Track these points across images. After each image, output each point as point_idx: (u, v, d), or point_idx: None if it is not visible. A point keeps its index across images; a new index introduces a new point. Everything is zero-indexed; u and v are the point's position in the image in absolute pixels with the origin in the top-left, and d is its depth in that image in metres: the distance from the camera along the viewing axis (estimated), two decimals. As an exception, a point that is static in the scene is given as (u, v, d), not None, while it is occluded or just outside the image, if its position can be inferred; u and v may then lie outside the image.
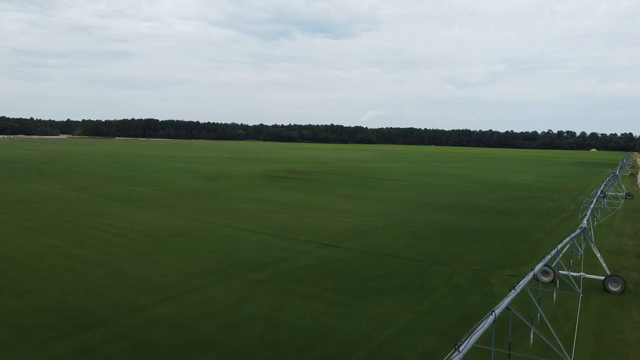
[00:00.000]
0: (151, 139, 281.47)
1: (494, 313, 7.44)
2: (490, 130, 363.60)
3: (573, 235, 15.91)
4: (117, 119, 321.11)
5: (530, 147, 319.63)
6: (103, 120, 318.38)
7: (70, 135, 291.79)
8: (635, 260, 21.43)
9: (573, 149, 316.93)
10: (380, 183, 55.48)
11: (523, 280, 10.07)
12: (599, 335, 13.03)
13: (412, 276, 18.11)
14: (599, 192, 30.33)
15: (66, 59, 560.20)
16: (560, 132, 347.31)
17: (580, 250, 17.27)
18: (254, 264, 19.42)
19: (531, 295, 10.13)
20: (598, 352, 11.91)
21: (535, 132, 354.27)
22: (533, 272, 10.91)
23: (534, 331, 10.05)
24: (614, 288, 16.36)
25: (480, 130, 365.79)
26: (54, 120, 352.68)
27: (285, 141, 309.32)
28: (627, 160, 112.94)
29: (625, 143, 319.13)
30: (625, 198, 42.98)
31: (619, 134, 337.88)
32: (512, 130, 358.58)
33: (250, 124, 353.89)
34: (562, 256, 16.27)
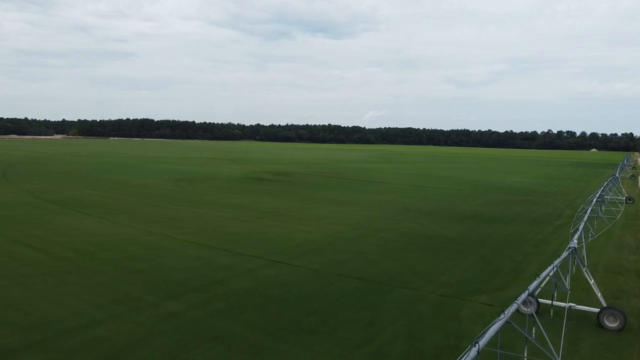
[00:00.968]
0: (145, 139, 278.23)
1: None
2: (490, 130, 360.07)
3: (560, 259, 12.65)
4: (113, 119, 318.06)
5: (529, 147, 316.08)
6: (98, 120, 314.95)
7: (64, 136, 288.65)
8: (637, 282, 18.11)
9: (573, 149, 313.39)
10: (367, 186, 52.21)
11: (496, 322, 6.97)
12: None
13: (365, 307, 14.81)
14: (595, 197, 27.01)
15: (66, 58, 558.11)
16: (560, 132, 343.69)
17: (565, 284, 13.98)
18: (179, 288, 16.16)
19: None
20: None
21: (534, 132, 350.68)
22: (506, 316, 7.67)
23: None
24: (610, 324, 13.08)
25: (479, 130, 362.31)
26: (49, 120, 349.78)
27: (282, 141, 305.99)
28: (627, 160, 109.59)
29: (625, 143, 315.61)
30: (626, 202, 39.71)
31: (619, 134, 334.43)
32: (511, 130, 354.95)
33: (247, 124, 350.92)
34: (549, 281, 13.04)
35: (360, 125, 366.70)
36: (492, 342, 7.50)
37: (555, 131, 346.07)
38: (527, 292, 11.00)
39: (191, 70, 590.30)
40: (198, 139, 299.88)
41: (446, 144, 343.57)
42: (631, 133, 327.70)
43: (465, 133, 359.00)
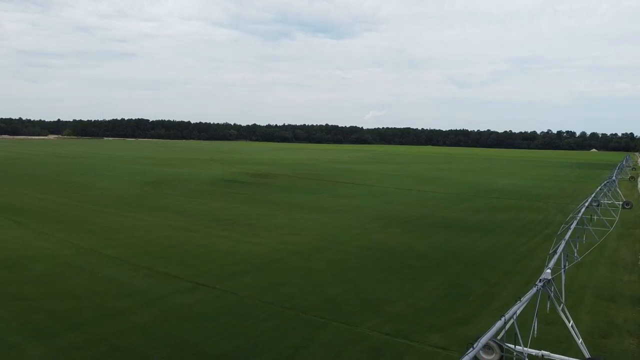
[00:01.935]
0: (139, 139, 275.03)
1: None
2: (489, 130, 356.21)
3: (527, 295, 9.44)
4: (107, 119, 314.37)
5: (529, 148, 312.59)
6: (93, 120, 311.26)
7: (58, 136, 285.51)
8: (633, 312, 14.85)
9: (573, 149, 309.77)
10: (348, 188, 48.93)
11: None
12: None
13: (279, 352, 11.55)
14: (584, 205, 23.72)
15: (66, 59, 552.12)
16: (559, 132, 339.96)
17: (542, 323, 10.72)
18: (59, 323, 12.93)
19: None
20: None
21: (534, 132, 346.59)
22: None
23: None
24: (594, 384, 9.80)
25: (478, 130, 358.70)
26: (44, 121, 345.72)
27: (278, 142, 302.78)
28: (627, 161, 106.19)
29: (626, 143, 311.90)
30: (623, 208, 36.40)
31: (619, 134, 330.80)
32: (510, 131, 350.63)
33: (244, 124, 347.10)
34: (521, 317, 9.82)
35: (357, 125, 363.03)
36: None
37: (555, 131, 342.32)
38: (486, 336, 8.00)
39: (191, 71, 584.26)
40: (193, 139, 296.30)
41: (445, 144, 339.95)
42: (631, 133, 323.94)
43: (464, 133, 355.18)
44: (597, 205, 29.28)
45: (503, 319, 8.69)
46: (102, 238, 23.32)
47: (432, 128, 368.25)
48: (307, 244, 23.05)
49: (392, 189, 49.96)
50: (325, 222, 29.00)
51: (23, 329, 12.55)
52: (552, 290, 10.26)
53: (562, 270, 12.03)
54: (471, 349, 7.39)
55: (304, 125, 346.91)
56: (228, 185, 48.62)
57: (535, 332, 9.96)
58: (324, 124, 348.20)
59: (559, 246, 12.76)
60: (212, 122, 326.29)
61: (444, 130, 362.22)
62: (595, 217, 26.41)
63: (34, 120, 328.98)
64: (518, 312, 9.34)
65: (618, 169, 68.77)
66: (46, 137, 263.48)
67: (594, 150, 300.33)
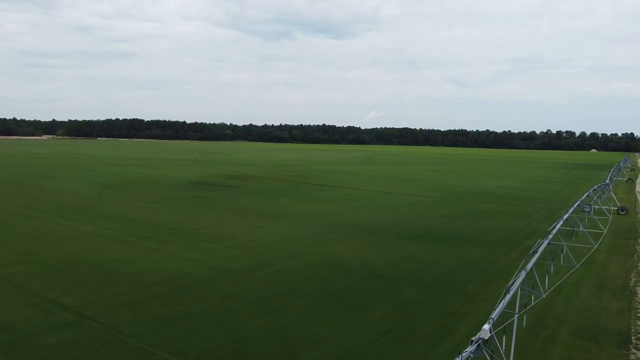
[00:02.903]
0: (133, 139, 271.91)
1: None
2: (487, 130, 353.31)
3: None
4: (102, 119, 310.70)
5: (528, 148, 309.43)
6: (87, 120, 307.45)
7: (52, 136, 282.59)
8: (618, 358, 11.67)
9: (572, 149, 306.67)
10: (323, 192, 45.79)
11: None
12: None
13: None
14: (563, 219, 20.60)
15: (66, 59, 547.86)
16: (559, 132, 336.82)
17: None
18: None
19: None
20: None
21: (533, 132, 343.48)
22: None
23: None
24: None
25: (477, 130, 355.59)
26: (39, 121, 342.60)
27: (274, 142, 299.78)
28: (625, 162, 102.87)
29: (626, 143, 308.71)
30: (618, 214, 33.25)
31: (619, 134, 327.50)
32: (509, 130, 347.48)
33: (240, 124, 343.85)
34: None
35: (355, 125, 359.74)
36: None
37: (554, 131, 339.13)
38: None
39: (192, 71, 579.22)
40: (189, 139, 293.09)
41: (443, 144, 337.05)
42: (632, 133, 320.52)
43: (463, 133, 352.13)
44: (589, 212, 26.20)
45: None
46: (14, 252, 20.23)
47: (430, 128, 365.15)
48: (246, 260, 19.91)
49: (372, 192, 46.82)
50: (280, 231, 25.86)
51: None
52: (496, 346, 7.11)
53: (515, 316, 8.87)
54: None
55: (301, 125, 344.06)
56: (195, 188, 45.45)
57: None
58: (321, 124, 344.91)
59: (513, 284, 9.58)
60: (207, 122, 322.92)
61: (442, 130, 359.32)
62: (581, 229, 23.24)
63: (28, 121, 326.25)
64: None
65: (614, 170, 65.56)
66: (39, 138, 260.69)
67: (593, 150, 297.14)
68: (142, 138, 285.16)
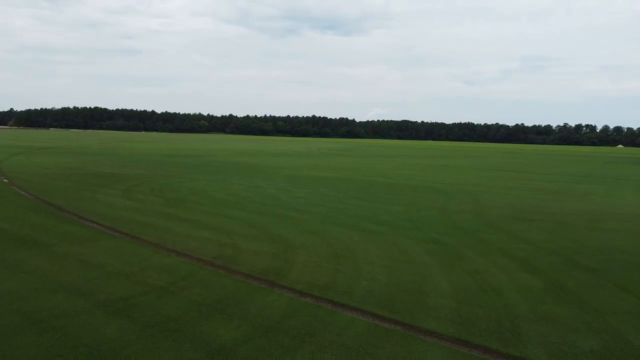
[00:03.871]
0: (89, 130, 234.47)
1: None
2: (497, 123, 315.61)
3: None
4: (56, 108, 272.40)
5: (544, 143, 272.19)
6: (39, 109, 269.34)
7: (4, 127, 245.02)
8: None
9: (595, 144, 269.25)
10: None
11: None
12: None
13: None
14: None
15: (73, 55, 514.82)
16: (578, 126, 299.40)
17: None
18: None
19: None
20: None
21: (549, 126, 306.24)
22: None
23: None
24: None
25: (485, 123, 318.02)
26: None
27: (256, 134, 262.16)
28: None
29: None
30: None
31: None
32: (522, 124, 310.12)
33: (219, 114, 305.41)
34: None
35: (348, 117, 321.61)
36: None
37: (572, 125, 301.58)
38: None
39: (197, 67, 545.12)
40: (157, 130, 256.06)
41: (448, 138, 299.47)
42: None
43: (470, 127, 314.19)
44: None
45: None
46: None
47: (431, 121, 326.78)
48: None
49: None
50: None
51: None
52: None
53: None
54: None
55: (288, 117, 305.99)
56: None
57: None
58: (310, 116, 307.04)
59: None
60: (179, 112, 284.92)
61: (447, 123, 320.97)
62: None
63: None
64: None
65: None
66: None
67: (620, 146, 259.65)
68: (102, 129, 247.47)
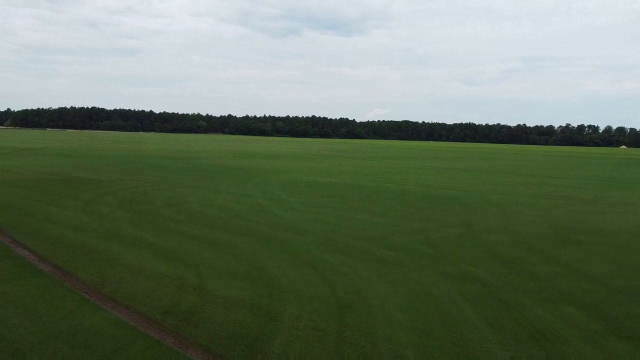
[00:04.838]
0: (86, 130, 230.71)
1: None
2: (499, 124, 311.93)
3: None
4: (54, 108, 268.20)
5: (547, 143, 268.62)
6: (35, 109, 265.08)
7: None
8: None
9: (598, 145, 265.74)
10: None
11: None
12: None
13: None
14: None
15: (73, 55, 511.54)
16: (581, 127, 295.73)
17: None
18: None
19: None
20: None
21: (551, 127, 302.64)
22: None
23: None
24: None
25: (486, 124, 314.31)
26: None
27: (255, 135, 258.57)
28: None
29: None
30: None
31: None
32: (524, 124, 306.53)
33: (218, 114, 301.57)
34: None
35: (348, 118, 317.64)
36: None
37: (575, 125, 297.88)
38: None
39: (198, 67, 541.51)
40: (155, 130, 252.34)
41: (449, 139, 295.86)
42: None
43: (471, 127, 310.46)
44: None
45: None
46: None
47: (432, 121, 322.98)
48: None
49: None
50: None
51: None
52: None
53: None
54: None
55: (288, 117, 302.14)
56: None
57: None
58: (310, 116, 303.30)
59: None
60: (178, 112, 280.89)
61: (448, 124, 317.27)
62: None
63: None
64: None
65: None
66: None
67: (623, 146, 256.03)
68: (100, 129, 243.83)
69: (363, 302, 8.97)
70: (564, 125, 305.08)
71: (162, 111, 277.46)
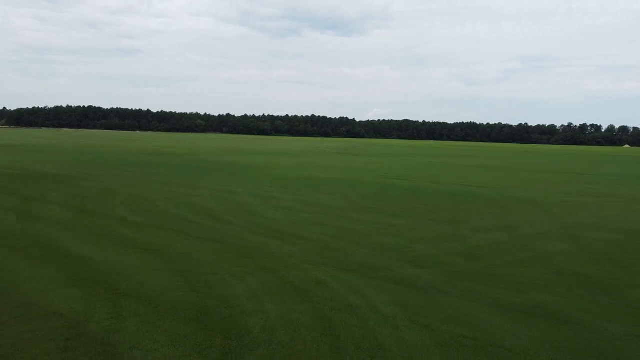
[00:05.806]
0: (83, 129, 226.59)
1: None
2: (500, 123, 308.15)
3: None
4: (49, 106, 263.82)
5: (549, 143, 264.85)
6: (31, 107, 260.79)
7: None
8: None
9: (601, 144, 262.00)
10: None
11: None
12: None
13: None
14: None
15: (73, 55, 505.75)
16: (583, 126, 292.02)
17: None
18: None
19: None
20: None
21: (553, 126, 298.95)
22: None
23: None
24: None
25: (487, 123, 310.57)
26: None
27: (254, 134, 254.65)
28: None
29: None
30: None
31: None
32: (526, 123, 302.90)
33: (216, 113, 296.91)
34: None
35: (348, 117, 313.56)
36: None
37: (577, 125, 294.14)
38: None
39: (197, 67, 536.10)
40: (152, 130, 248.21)
41: (450, 138, 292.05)
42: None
43: (472, 126, 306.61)
44: None
45: None
46: None
47: (433, 121, 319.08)
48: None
49: None
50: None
51: None
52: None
53: None
54: None
55: (287, 116, 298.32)
56: None
57: None
58: (309, 115, 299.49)
59: None
60: (175, 111, 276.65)
61: (449, 123, 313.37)
62: None
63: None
64: None
65: None
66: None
67: (626, 146, 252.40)
68: (97, 129, 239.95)
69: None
70: (565, 124, 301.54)
71: (159, 110, 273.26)
